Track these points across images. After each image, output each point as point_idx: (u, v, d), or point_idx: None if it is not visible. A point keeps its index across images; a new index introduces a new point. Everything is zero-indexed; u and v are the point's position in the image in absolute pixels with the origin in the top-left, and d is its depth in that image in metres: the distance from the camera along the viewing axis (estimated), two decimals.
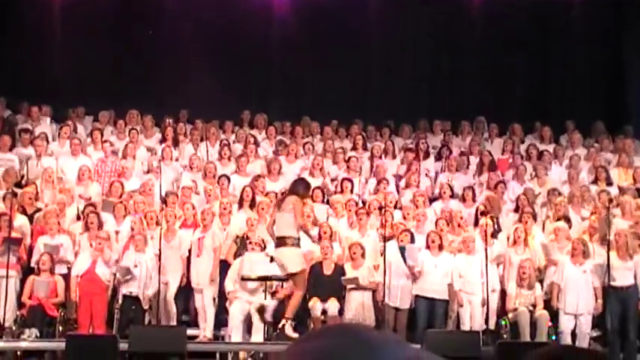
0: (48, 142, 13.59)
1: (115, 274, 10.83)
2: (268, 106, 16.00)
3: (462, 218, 11.80)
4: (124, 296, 10.74)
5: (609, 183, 13.23)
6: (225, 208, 11.73)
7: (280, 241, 9.76)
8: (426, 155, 14.20)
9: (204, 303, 10.96)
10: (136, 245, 10.88)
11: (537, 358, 1.94)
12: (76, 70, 15.73)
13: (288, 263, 9.71)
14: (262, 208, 11.66)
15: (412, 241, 11.15)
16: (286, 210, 9.72)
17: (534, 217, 11.99)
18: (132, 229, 11.20)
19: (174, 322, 10.95)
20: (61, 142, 13.66)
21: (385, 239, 10.86)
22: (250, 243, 10.82)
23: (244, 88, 16.34)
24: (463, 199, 12.69)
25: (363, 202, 12.70)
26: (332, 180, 13.47)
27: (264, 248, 10.87)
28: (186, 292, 11.31)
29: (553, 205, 12.24)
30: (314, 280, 10.77)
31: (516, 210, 12.42)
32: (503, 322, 10.80)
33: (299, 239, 9.84)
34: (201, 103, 15.34)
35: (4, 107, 14.99)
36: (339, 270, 10.88)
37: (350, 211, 11.98)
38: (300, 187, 10.12)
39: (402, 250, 11.03)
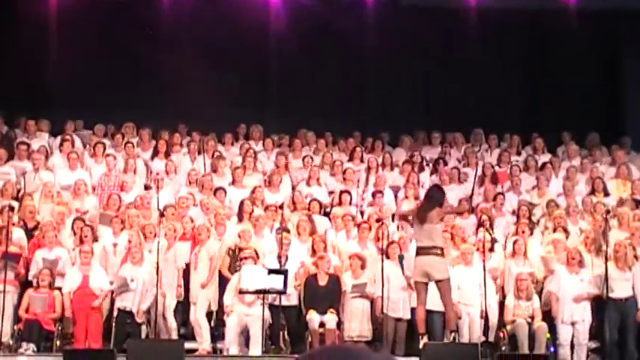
0: (47, 156, 13.58)
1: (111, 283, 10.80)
2: (265, 119, 16.01)
3: (464, 232, 11.80)
4: (119, 310, 10.70)
5: (606, 194, 13.23)
6: (222, 219, 11.72)
7: (424, 251, 9.95)
8: (421, 168, 14.20)
9: (197, 317, 10.92)
10: (132, 258, 10.85)
11: None
12: (72, 82, 15.74)
13: (435, 272, 9.89)
14: (263, 221, 11.70)
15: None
16: (434, 222, 10.04)
17: (531, 229, 11.99)
18: (129, 242, 11.16)
19: (174, 336, 10.89)
20: (62, 156, 13.64)
21: (383, 251, 10.86)
22: (243, 258, 10.78)
23: (241, 100, 16.37)
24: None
25: (362, 214, 12.71)
26: (330, 192, 13.46)
27: (257, 259, 10.87)
28: (184, 305, 11.27)
29: (552, 217, 12.23)
30: (309, 292, 10.77)
31: (515, 221, 12.41)
32: (501, 334, 10.77)
33: (443, 249, 10.17)
34: (198, 116, 15.34)
35: (2, 123, 14.98)
36: (334, 280, 10.88)
37: (346, 225, 11.97)
38: (438, 196, 10.34)
39: (401, 258, 11.05)
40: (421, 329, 10.06)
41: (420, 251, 10.05)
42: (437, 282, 10.03)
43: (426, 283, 10.08)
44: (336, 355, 1.54)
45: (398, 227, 12.11)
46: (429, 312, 10.64)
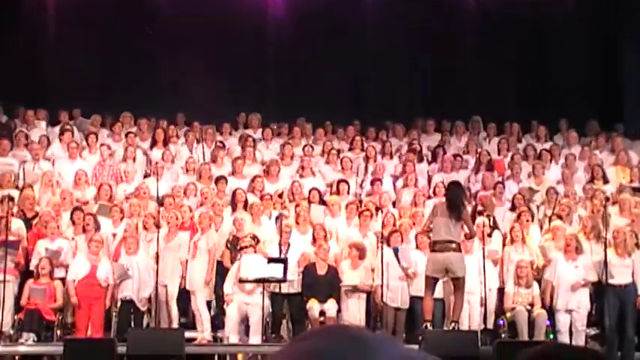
0: (47, 145, 13.56)
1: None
2: (264, 108, 16.00)
3: None
4: (122, 300, 10.71)
5: (605, 181, 13.23)
6: (220, 210, 11.73)
7: (442, 246, 9.80)
8: (420, 157, 14.17)
9: (198, 305, 10.95)
10: (128, 248, 10.85)
11: (530, 356, 1.93)
12: (71, 72, 15.71)
13: (456, 268, 9.84)
14: (258, 210, 11.72)
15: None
16: (458, 223, 9.83)
17: (532, 216, 12.00)
18: (125, 230, 11.15)
19: (175, 325, 10.93)
20: (63, 146, 13.63)
21: (383, 240, 10.86)
22: (242, 249, 10.79)
23: (240, 89, 16.36)
24: None
25: (360, 202, 12.71)
26: (329, 184, 13.43)
27: (256, 243, 10.88)
28: (184, 294, 11.29)
29: (557, 203, 12.19)
30: (309, 281, 10.79)
31: (513, 209, 12.41)
32: (501, 321, 10.79)
33: (460, 244, 9.98)
34: (197, 106, 15.33)
35: (1, 113, 14.97)
36: (333, 271, 10.90)
37: (351, 212, 11.94)
38: (462, 194, 10.22)
39: (396, 250, 11.04)
40: (428, 316, 10.03)
41: (437, 246, 9.88)
42: (454, 278, 10.00)
43: (438, 279, 10.05)
44: (333, 331, 1.54)
45: (400, 215, 12.06)
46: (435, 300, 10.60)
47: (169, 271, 10.99)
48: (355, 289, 10.85)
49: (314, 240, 11.26)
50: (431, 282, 10.07)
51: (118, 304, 10.75)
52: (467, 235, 10.20)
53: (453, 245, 9.86)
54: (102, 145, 13.43)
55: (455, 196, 10.07)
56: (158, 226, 10.95)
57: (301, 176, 13.27)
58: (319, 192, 12.62)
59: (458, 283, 10.04)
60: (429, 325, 9.99)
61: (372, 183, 13.02)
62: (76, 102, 15.33)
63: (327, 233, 11.35)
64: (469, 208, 10.34)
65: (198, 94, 15.32)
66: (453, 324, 10.09)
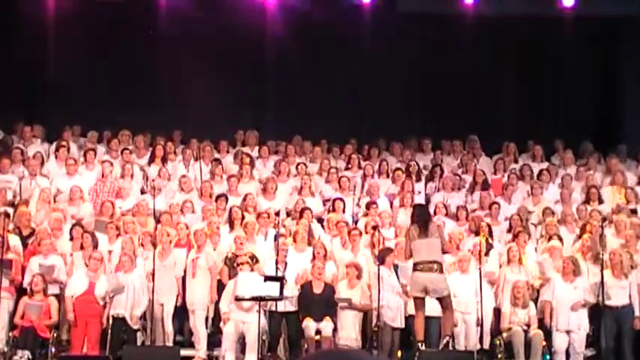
0: (43, 162, 13.56)
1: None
2: (262, 126, 16.01)
3: (460, 240, 11.80)
4: (113, 317, 10.67)
5: (601, 202, 13.24)
6: (217, 227, 11.72)
7: (424, 266, 9.95)
8: (417, 177, 14.18)
9: (196, 324, 10.91)
10: (123, 266, 10.82)
11: None
12: (69, 87, 15.71)
13: (439, 289, 9.97)
14: (252, 228, 11.71)
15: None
16: (434, 236, 10.06)
17: (529, 235, 12.00)
18: (122, 248, 11.13)
19: (170, 343, 10.88)
20: (58, 162, 13.63)
21: (379, 259, 10.84)
22: (239, 264, 10.77)
23: (238, 107, 16.38)
24: (457, 218, 12.72)
25: (356, 222, 12.70)
26: (325, 201, 13.43)
27: (255, 263, 10.86)
28: (180, 312, 11.25)
29: (545, 225, 12.25)
30: (305, 299, 10.76)
31: (509, 229, 12.42)
32: (497, 342, 10.76)
33: (442, 264, 10.14)
34: (194, 123, 15.34)
35: None
36: (329, 289, 10.87)
37: (341, 231, 11.96)
38: (426, 213, 10.70)
39: (396, 268, 11.05)
40: (420, 337, 10.04)
41: (419, 267, 10.01)
42: (439, 298, 10.09)
43: (424, 298, 10.10)
44: (330, 356, 1.54)
45: (396, 234, 12.07)
46: (425, 319, 10.61)
47: (165, 289, 10.96)
48: (352, 306, 10.79)
49: (314, 258, 11.24)
50: (419, 303, 10.13)
51: (110, 320, 10.69)
52: (442, 249, 10.28)
53: (435, 266, 9.99)
54: (103, 162, 13.42)
55: (421, 215, 10.43)
56: (155, 244, 10.94)
57: (300, 194, 13.24)
58: (311, 211, 12.57)
59: (444, 302, 10.13)
60: (421, 345, 9.96)
61: (368, 206, 12.99)
62: (73, 116, 15.30)
63: (327, 252, 11.34)
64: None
65: (196, 110, 15.33)
66: (446, 338, 10.06)
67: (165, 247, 11.17)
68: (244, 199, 12.65)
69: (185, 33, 16.35)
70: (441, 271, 10.09)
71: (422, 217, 10.36)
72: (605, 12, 16.36)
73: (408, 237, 10.35)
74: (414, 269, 10.09)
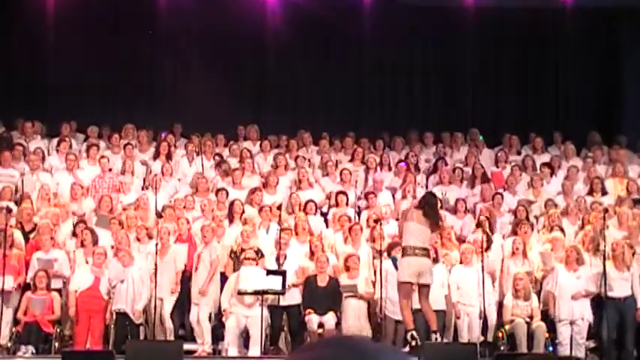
0: (44, 157, 13.57)
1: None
2: (262, 119, 16.01)
3: (456, 233, 11.80)
4: (116, 313, 10.67)
5: (604, 194, 13.24)
6: (221, 221, 11.72)
7: (416, 251, 9.76)
8: (417, 169, 14.18)
9: (200, 318, 10.92)
10: (122, 262, 10.83)
11: None
12: (69, 82, 15.70)
13: (427, 275, 9.81)
14: (253, 222, 11.71)
15: None
16: (425, 224, 9.81)
17: (532, 228, 12.00)
18: (119, 243, 11.10)
19: (171, 338, 10.89)
20: (60, 157, 13.64)
21: (380, 253, 10.85)
22: (246, 258, 10.77)
23: (238, 101, 16.37)
24: (455, 212, 12.72)
25: (359, 213, 12.70)
26: (327, 196, 13.43)
27: (260, 257, 10.86)
28: (182, 306, 11.26)
29: (547, 216, 12.26)
30: (309, 292, 10.77)
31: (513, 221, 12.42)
32: (499, 334, 10.77)
33: (429, 251, 9.99)
34: (195, 117, 15.34)
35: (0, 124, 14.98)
36: (334, 282, 10.87)
37: (343, 226, 11.96)
38: (435, 201, 10.26)
39: (395, 261, 11.02)
40: (410, 326, 9.86)
41: (410, 251, 9.79)
42: (422, 285, 9.89)
43: (412, 284, 9.93)
44: (333, 342, 1.55)
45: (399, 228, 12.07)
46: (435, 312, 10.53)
47: (165, 284, 10.96)
48: (355, 294, 10.78)
49: (311, 252, 11.26)
50: (406, 290, 9.86)
51: (113, 316, 10.71)
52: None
53: (426, 252, 9.85)
54: (102, 157, 13.42)
55: (429, 201, 10.13)
56: (150, 236, 10.91)
57: (299, 188, 13.26)
58: (315, 204, 12.60)
59: (425, 291, 9.90)
60: (414, 333, 9.80)
61: (366, 196, 12.99)
62: (73, 112, 15.29)
63: (323, 245, 11.34)
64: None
65: (197, 103, 15.34)
66: (435, 334, 9.86)
67: (165, 244, 11.16)
68: (252, 193, 12.64)
69: (185, 28, 16.35)
70: (429, 257, 9.99)
71: (429, 203, 10.10)
72: (605, 3, 16.36)
73: (404, 217, 10.17)
74: (405, 254, 9.87)
